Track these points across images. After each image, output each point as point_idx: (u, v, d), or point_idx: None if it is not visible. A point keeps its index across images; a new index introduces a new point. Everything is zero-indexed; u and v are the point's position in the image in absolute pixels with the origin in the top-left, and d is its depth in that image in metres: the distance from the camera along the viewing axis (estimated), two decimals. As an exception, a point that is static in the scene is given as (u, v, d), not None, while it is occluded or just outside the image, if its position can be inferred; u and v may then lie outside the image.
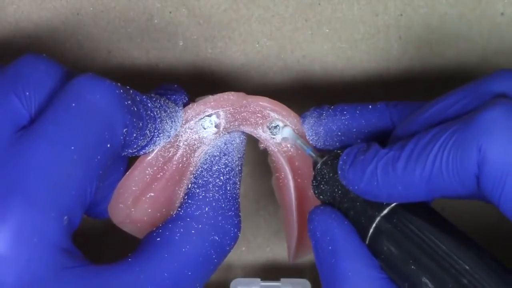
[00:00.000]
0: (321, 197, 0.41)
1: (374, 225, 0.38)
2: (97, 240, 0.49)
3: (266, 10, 0.47)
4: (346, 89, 0.48)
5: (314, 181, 0.41)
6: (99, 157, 0.35)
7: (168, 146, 0.40)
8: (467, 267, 0.35)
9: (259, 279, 0.48)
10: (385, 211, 0.38)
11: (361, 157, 0.38)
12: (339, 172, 0.39)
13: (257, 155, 0.48)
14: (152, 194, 0.41)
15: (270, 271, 0.50)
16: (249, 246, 0.50)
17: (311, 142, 0.42)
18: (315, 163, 0.41)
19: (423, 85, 0.48)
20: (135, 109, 0.37)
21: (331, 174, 0.40)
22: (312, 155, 0.41)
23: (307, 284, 0.47)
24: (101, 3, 0.46)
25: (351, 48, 0.47)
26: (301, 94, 0.48)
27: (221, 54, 0.47)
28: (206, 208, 0.40)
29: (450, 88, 0.48)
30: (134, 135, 0.37)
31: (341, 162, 0.39)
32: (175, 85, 0.42)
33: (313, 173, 0.41)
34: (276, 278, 0.48)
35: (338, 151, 0.40)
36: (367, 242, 0.38)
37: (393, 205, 0.38)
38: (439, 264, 0.36)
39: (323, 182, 0.40)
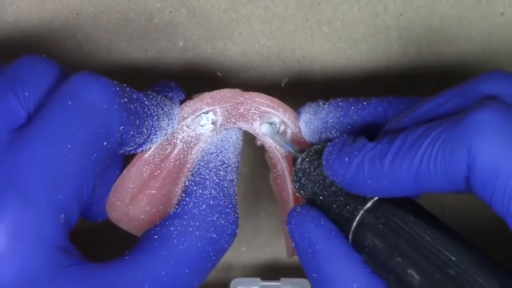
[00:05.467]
0: (302, 192, 0.40)
1: (357, 218, 0.38)
2: (96, 238, 0.49)
3: (266, 10, 0.47)
4: (346, 89, 0.48)
5: (294, 176, 0.41)
6: (95, 155, 0.35)
7: (165, 143, 0.40)
8: (453, 258, 0.35)
9: (259, 279, 0.48)
10: (369, 204, 0.38)
11: (347, 148, 0.37)
12: (324, 162, 0.39)
13: (257, 155, 0.48)
14: (150, 191, 0.41)
15: (270, 271, 0.50)
16: (249, 246, 0.50)
17: (306, 137, 0.42)
18: (294, 159, 0.41)
19: (423, 86, 0.48)
20: (132, 106, 0.37)
21: (312, 169, 0.40)
22: (291, 151, 0.41)
23: (307, 284, 0.47)
24: (101, 3, 0.46)
25: (351, 48, 0.47)
26: (301, 94, 0.48)
27: (221, 54, 0.47)
28: (204, 206, 0.40)
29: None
30: (131, 133, 0.37)
31: (326, 153, 0.38)
32: (172, 83, 0.42)
33: (294, 168, 0.41)
34: (276, 278, 0.48)
35: (319, 146, 0.40)
36: (350, 236, 0.38)
37: (376, 198, 0.38)
38: (424, 255, 0.36)
39: (304, 177, 0.40)
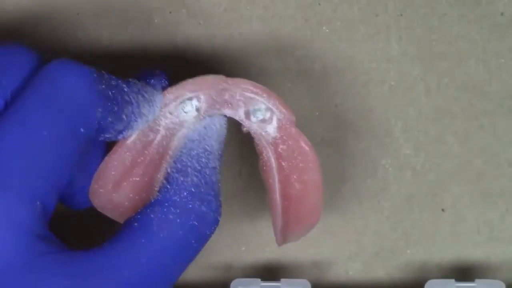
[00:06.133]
0: None
1: None
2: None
3: (266, 10, 0.47)
4: (346, 90, 0.48)
5: None
6: (72, 141, 0.35)
7: (147, 130, 0.40)
8: None
9: (259, 280, 0.47)
10: None
11: None
12: None
13: (257, 155, 0.48)
14: (133, 178, 0.40)
15: (270, 271, 0.50)
16: (249, 246, 0.50)
17: None
18: None
19: (423, 86, 0.48)
20: (110, 93, 0.37)
21: None
22: None
23: (307, 284, 0.47)
24: (101, 3, 0.46)
25: (351, 48, 0.47)
26: (301, 94, 0.48)
27: (221, 54, 0.47)
28: (185, 193, 0.39)
29: (451, 89, 0.48)
30: (109, 119, 0.37)
31: None
32: (157, 70, 0.42)
33: None
34: (276, 279, 0.48)
35: None
36: None
37: None
38: None
39: None
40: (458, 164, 0.48)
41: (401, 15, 0.47)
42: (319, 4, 0.47)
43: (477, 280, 0.46)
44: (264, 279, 0.48)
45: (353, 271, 0.49)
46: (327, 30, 0.47)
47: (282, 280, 0.48)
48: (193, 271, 0.49)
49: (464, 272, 0.49)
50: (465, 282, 0.46)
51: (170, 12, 0.47)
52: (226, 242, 0.49)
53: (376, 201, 0.49)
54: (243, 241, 0.50)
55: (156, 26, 0.47)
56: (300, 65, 0.48)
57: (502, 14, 0.47)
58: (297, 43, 0.47)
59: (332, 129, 0.48)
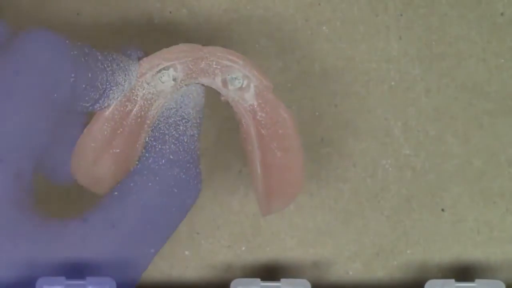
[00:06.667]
0: None
1: None
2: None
3: (266, 10, 0.47)
4: (346, 90, 0.48)
5: None
6: (45, 106, 0.36)
7: (124, 100, 0.40)
8: None
9: (259, 280, 0.47)
10: None
11: None
12: None
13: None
14: (114, 150, 0.40)
15: (270, 271, 0.50)
16: (249, 246, 0.50)
17: None
18: None
19: (423, 86, 0.48)
20: (83, 59, 0.37)
21: None
22: None
23: (307, 284, 0.47)
24: (101, 3, 0.46)
25: (351, 48, 0.47)
26: (301, 94, 0.48)
27: (221, 54, 0.47)
28: (163, 161, 0.39)
29: (451, 89, 0.48)
30: (84, 85, 0.37)
31: None
32: (132, 44, 0.42)
33: None
34: (276, 279, 0.48)
35: None
36: None
37: None
38: None
39: None
40: (458, 164, 0.48)
41: (401, 15, 0.47)
42: (319, 4, 0.47)
43: (477, 280, 0.46)
44: (264, 279, 0.48)
45: (353, 271, 0.49)
46: (327, 30, 0.47)
47: (282, 280, 0.48)
48: (193, 271, 0.49)
49: (464, 272, 0.49)
50: (465, 282, 0.46)
51: (170, 12, 0.47)
52: (226, 242, 0.49)
53: (376, 201, 0.49)
54: (243, 241, 0.50)
55: (156, 26, 0.47)
56: (300, 65, 0.48)
57: (502, 14, 0.47)
58: (297, 43, 0.47)
59: (332, 129, 0.48)
